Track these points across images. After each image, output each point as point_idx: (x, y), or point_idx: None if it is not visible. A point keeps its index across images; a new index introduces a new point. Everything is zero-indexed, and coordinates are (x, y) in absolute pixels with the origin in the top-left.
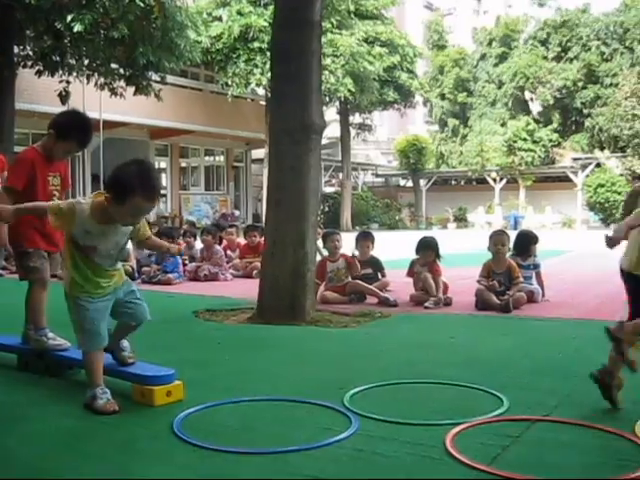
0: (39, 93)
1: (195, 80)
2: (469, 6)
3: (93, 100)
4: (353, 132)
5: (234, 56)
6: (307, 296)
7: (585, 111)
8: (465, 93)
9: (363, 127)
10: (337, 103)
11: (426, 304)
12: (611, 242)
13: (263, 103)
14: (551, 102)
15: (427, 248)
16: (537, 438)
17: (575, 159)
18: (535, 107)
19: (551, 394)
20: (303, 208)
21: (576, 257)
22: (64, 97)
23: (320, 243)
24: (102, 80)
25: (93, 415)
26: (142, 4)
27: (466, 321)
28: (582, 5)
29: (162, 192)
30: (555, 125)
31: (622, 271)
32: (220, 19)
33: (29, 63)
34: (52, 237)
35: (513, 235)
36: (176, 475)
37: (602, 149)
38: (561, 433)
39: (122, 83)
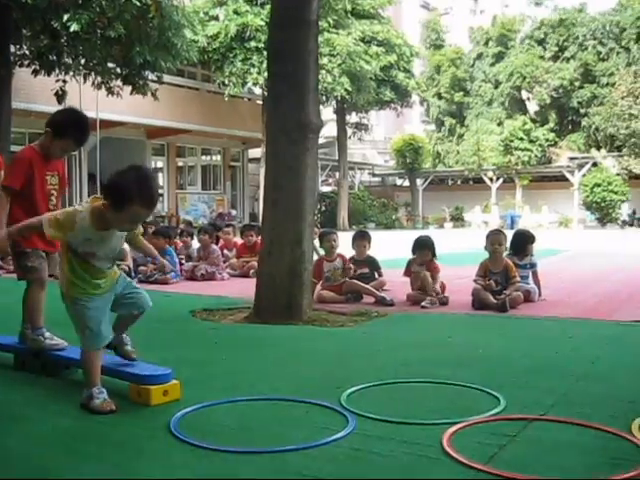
0: (36, 92)
1: (192, 79)
2: (466, 5)
3: (90, 99)
4: (350, 131)
5: (231, 55)
6: (304, 295)
7: (582, 110)
8: (462, 92)
9: (360, 126)
10: (334, 102)
11: (423, 303)
12: None
13: (260, 102)
14: (548, 101)
15: (423, 247)
16: (534, 437)
17: (572, 158)
18: (532, 106)
19: (548, 393)
20: (300, 207)
21: (573, 256)
22: (61, 96)
23: (317, 242)
24: (99, 79)
25: (90, 415)
26: (139, 3)
27: (463, 320)
28: (579, 5)
29: (159, 192)
30: (552, 124)
31: None
32: (217, 18)
33: (26, 62)
34: None
35: (510, 234)
36: (173, 475)
37: (598, 148)
38: (558, 432)
39: (119, 82)
